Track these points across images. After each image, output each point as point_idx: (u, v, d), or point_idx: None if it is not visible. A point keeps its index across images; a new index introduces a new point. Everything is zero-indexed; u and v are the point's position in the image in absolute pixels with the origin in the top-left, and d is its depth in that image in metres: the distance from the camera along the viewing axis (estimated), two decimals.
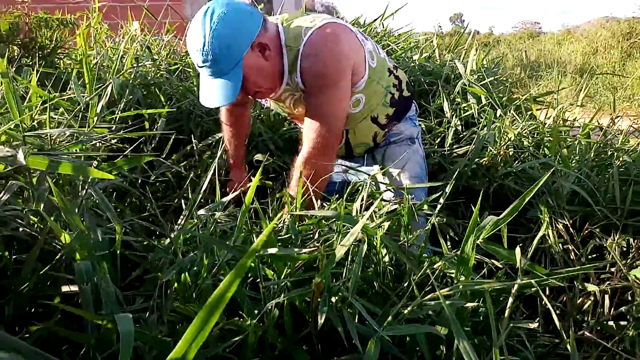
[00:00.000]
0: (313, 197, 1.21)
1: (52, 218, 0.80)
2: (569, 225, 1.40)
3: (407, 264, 0.89)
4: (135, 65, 1.88)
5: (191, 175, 1.67)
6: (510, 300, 0.85)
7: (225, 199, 1.10)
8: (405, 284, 0.95)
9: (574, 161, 1.81)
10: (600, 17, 13.24)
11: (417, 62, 2.67)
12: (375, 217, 1.01)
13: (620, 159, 2.02)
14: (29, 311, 0.80)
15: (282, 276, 0.85)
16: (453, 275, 0.93)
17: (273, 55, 1.36)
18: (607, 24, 11.58)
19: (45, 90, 1.67)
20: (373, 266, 0.99)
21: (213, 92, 1.29)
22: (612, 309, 1.15)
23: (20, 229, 0.85)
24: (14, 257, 0.82)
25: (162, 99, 2.08)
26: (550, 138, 1.86)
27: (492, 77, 2.49)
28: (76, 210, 0.83)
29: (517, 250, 0.90)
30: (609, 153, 1.97)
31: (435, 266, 0.94)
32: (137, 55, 2.10)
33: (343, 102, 1.42)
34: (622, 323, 1.12)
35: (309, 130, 1.42)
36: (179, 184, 1.83)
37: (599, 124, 2.12)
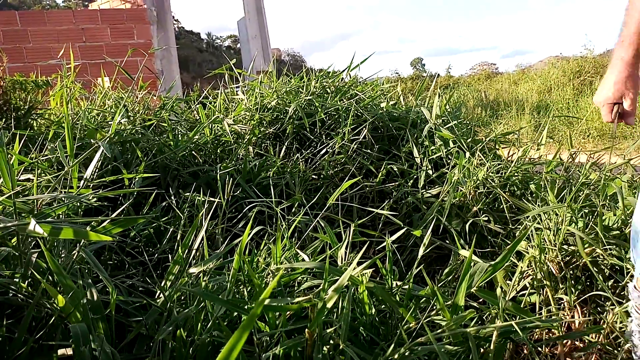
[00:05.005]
0: None
1: (44, 280, 0.81)
2: (561, 263, 1.46)
3: (394, 310, 0.93)
4: (120, 129, 1.91)
5: (171, 229, 1.68)
6: (493, 339, 0.89)
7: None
8: (391, 325, 0.98)
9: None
10: (552, 57, 13.96)
11: (385, 109, 2.77)
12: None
13: (584, 192, 2.12)
14: None
15: (273, 326, 0.87)
16: (437, 318, 0.97)
17: None
18: (558, 63, 12.22)
19: (20, 150, 1.68)
20: (358, 310, 1.02)
21: None
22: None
23: (10, 294, 0.85)
24: (5, 323, 0.82)
25: (139, 154, 2.10)
26: (517, 176, 1.95)
27: (456, 120, 2.61)
28: (67, 272, 0.84)
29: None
30: (574, 189, 2.07)
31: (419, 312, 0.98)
32: (113, 111, 2.13)
33: None
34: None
35: None
36: (158, 238, 1.83)
37: (560, 159, 2.23)
